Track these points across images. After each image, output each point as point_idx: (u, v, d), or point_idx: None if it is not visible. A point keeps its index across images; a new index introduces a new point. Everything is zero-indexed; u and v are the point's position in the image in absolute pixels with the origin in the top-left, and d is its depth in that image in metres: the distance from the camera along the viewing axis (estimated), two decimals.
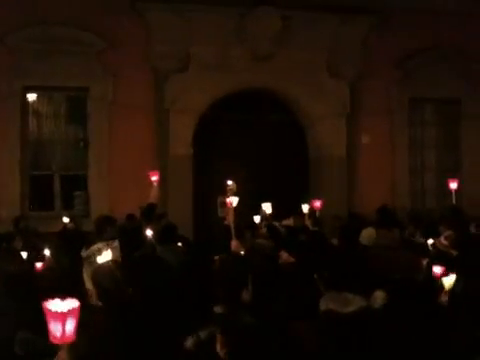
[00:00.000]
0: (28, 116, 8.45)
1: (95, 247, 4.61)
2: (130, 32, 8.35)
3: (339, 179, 8.93)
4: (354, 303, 2.50)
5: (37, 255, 5.19)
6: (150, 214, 5.39)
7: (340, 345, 2.30)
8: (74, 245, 5.57)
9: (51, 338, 1.82)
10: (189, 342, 2.56)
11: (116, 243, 4.76)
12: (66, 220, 6.91)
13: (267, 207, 6.13)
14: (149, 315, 2.74)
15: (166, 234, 4.86)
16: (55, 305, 1.81)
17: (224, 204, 6.62)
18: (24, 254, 5.56)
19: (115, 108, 8.38)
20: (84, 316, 2.76)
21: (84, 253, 4.90)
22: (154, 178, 5.49)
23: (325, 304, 2.56)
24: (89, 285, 4.28)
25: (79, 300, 3.69)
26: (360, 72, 9.07)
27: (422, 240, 5.69)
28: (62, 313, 1.80)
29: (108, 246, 4.56)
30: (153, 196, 5.40)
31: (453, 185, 7.03)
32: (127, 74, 8.35)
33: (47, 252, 5.12)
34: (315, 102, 8.87)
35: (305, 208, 6.44)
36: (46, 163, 8.61)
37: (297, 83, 8.76)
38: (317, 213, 6.86)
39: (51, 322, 1.81)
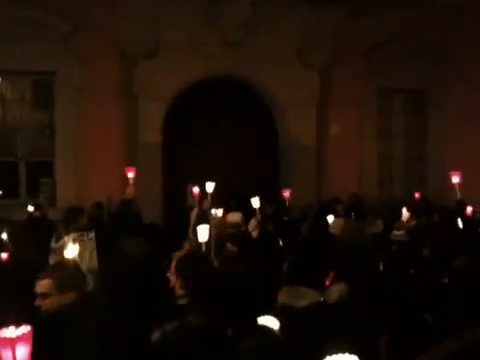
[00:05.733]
0: None
1: (69, 237, 4.50)
2: (98, 15, 8.17)
3: (308, 167, 9.00)
4: (307, 297, 2.52)
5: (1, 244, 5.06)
6: (125, 210, 5.36)
7: (294, 338, 2.32)
8: (40, 234, 5.48)
9: None
10: (155, 335, 2.57)
11: (92, 234, 4.68)
12: (31, 208, 6.77)
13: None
14: (115, 309, 2.71)
15: (132, 226, 4.81)
16: (5, 331, 1.77)
17: (192, 192, 6.62)
18: None
19: (83, 93, 8.21)
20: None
21: (54, 244, 4.81)
22: (130, 175, 5.44)
23: (281, 298, 2.58)
24: None
25: None
26: (330, 61, 9.11)
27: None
28: (11, 339, 1.76)
29: (83, 237, 4.48)
30: (128, 193, 5.36)
31: (455, 179, 6.40)
32: (95, 58, 8.18)
33: (4, 236, 4.96)
34: (285, 90, 8.88)
35: (255, 203, 6.05)
36: (11, 149, 8.41)
37: (267, 71, 8.74)
38: (287, 202, 6.93)
39: (1, 349, 1.76)
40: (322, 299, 2.79)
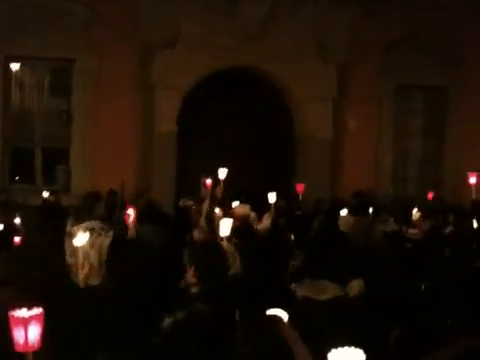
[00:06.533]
0: (10, 86, 8.28)
1: (88, 224, 4.44)
2: (118, 5, 8.19)
3: (323, 162, 8.95)
4: (330, 291, 2.51)
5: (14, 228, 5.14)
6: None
7: (315, 331, 2.32)
8: (55, 219, 5.52)
9: (15, 346, 1.80)
10: (166, 322, 2.58)
11: (111, 232, 4.63)
12: (46, 194, 6.83)
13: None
14: (127, 297, 2.73)
15: (147, 214, 4.82)
16: (18, 312, 1.80)
17: (205, 184, 6.61)
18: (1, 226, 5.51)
19: (100, 82, 8.24)
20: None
21: (70, 227, 4.81)
22: (130, 212, 5.51)
23: (302, 291, 2.57)
24: (71, 260, 4.22)
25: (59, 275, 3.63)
26: (348, 57, 9.03)
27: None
28: (24, 319, 1.79)
29: (102, 231, 4.39)
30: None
31: (472, 179, 6.17)
32: (114, 48, 8.20)
33: (17, 220, 5.01)
34: (302, 85, 8.82)
35: (271, 198, 6.12)
36: (28, 135, 8.47)
37: (285, 65, 8.68)
38: (300, 196, 6.91)
39: (14, 329, 1.80)
40: (343, 293, 2.79)
